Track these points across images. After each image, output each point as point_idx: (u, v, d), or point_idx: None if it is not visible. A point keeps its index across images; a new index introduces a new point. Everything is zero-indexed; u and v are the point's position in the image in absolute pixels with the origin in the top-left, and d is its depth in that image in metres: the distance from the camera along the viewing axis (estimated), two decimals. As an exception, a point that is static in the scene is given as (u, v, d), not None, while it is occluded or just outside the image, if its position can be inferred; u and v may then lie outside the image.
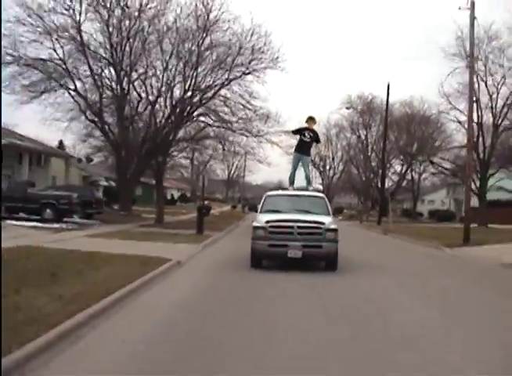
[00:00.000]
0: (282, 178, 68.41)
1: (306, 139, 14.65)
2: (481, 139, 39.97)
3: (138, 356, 5.28)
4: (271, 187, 53.63)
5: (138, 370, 4.90)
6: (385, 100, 47.01)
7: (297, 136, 15.13)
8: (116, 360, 5.16)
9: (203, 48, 28.77)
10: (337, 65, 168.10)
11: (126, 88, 30.49)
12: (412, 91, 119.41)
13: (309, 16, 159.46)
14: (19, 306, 6.29)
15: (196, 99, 29.92)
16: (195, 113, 30.87)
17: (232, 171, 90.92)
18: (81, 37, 28.69)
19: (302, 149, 14.90)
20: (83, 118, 31.21)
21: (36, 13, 27.30)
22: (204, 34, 28.48)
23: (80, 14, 28.35)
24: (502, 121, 39.47)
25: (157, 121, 30.77)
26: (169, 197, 66.97)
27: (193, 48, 28.73)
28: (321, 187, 68.23)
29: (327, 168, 75.05)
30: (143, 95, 30.68)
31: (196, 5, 28.21)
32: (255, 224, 12.82)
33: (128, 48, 29.47)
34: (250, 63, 28.92)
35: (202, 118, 31.67)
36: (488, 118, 40.21)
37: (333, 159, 73.30)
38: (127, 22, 29.13)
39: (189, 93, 29.59)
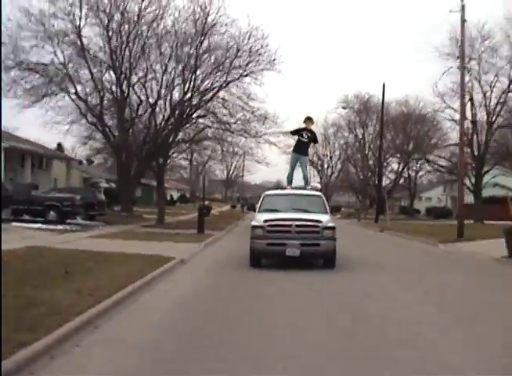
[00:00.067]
0: (280, 177, 68.99)
1: (304, 140, 14.84)
2: (475, 136, 40.61)
3: (164, 329, 6.14)
4: (269, 187, 54.11)
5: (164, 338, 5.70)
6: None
7: (296, 136, 15.37)
8: (142, 337, 5.93)
9: (201, 51, 29.30)
10: (333, 65, 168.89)
11: (126, 91, 31.03)
12: (409, 90, 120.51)
13: (306, 16, 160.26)
14: (43, 301, 6.87)
15: (195, 102, 30.42)
16: (194, 115, 31.33)
17: (231, 172, 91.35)
18: (81, 41, 29.25)
19: (300, 149, 15.10)
20: (84, 121, 31.78)
21: (37, 19, 27.87)
22: (202, 38, 29.02)
23: (80, 19, 29.04)
24: (496, 118, 40.12)
25: (157, 123, 31.28)
26: (168, 198, 67.40)
27: (192, 51, 29.27)
28: (319, 186, 68.83)
29: (325, 166, 75.56)
30: (143, 97, 31.25)
31: (194, 9, 28.84)
32: (253, 223, 12.91)
33: (127, 52, 30.00)
34: (247, 65, 29.41)
35: (201, 120, 32.15)
36: (482, 116, 40.92)
37: (330, 158, 73.78)
38: (126, 26, 29.69)
39: (188, 95, 30.09)
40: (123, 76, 30.52)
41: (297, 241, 12.28)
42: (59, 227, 21.79)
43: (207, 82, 30.11)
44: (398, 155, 56.36)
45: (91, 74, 30.07)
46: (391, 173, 60.51)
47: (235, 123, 30.95)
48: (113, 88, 31.30)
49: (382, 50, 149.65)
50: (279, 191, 16.49)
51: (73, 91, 30.02)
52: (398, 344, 5.94)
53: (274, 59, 29.20)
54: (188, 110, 30.50)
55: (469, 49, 35.26)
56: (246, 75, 29.84)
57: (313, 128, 15.87)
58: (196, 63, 29.41)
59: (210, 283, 10.48)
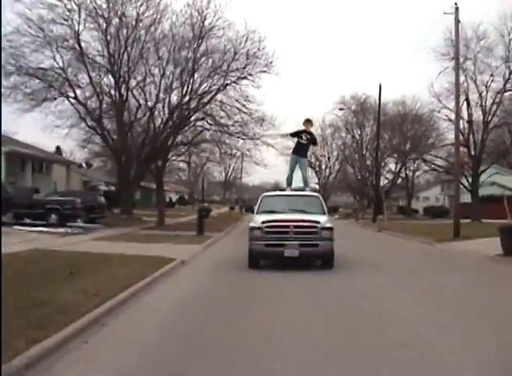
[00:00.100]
0: (279, 179, 69.36)
1: (303, 142, 14.95)
2: (471, 136, 40.95)
3: (165, 331, 6.42)
4: (268, 188, 54.45)
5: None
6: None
7: (295, 139, 15.49)
8: (143, 338, 6.14)
9: (199, 55, 29.62)
10: (330, 66, 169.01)
11: (125, 94, 31.30)
12: (406, 90, 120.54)
13: (303, 18, 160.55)
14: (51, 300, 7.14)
15: (193, 105, 30.70)
16: (192, 118, 31.62)
17: (229, 173, 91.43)
18: (80, 46, 29.51)
19: (299, 151, 15.22)
20: (83, 125, 32.04)
21: (36, 24, 28.11)
22: (200, 41, 29.35)
23: (78, 24, 29.29)
24: (491, 118, 40.46)
25: (156, 126, 31.57)
26: (168, 200, 67.61)
27: (189, 54, 29.58)
28: (317, 187, 69.11)
29: (323, 167, 75.85)
30: (142, 101, 31.54)
31: (191, 12, 29.16)
32: (252, 225, 12.93)
33: (125, 56, 30.25)
34: (245, 68, 29.72)
35: (199, 123, 32.44)
36: (478, 116, 41.27)
37: (328, 158, 74.03)
38: (124, 31, 29.94)
39: (187, 99, 30.38)
40: (121, 80, 30.79)
41: (295, 242, 12.32)
42: (61, 230, 22.03)
43: (204, 85, 30.50)
44: (396, 155, 56.66)
45: (90, 78, 30.34)
46: (388, 173, 60.92)
47: (233, 125, 31.26)
48: (112, 92, 31.57)
49: (379, 51, 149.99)
50: (276, 192, 16.61)
51: (72, 95, 30.30)
52: (396, 344, 5.97)
53: (271, 62, 29.61)
54: (186, 112, 30.78)
55: (464, 49, 35.70)
56: (243, 78, 30.17)
57: (312, 130, 15.97)
58: (194, 67, 29.70)
59: (209, 285, 10.60)
